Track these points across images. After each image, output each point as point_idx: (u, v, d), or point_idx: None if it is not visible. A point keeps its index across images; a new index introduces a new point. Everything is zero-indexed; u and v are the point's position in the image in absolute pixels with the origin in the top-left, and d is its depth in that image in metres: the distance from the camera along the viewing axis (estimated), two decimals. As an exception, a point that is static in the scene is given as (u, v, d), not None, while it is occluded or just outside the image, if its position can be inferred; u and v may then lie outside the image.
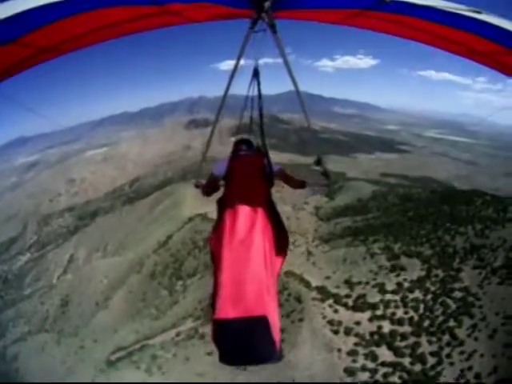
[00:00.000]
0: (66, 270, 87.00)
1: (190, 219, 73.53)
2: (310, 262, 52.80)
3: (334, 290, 42.73)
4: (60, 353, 54.35)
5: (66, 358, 52.46)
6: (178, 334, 47.24)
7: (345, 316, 37.82)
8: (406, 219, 60.24)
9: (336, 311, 38.82)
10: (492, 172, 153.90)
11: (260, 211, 2.96)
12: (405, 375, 30.74)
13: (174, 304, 55.62)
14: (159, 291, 59.99)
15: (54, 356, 54.00)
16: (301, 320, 38.72)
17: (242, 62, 2.92)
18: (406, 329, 34.86)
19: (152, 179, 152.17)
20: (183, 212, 79.83)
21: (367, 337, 34.93)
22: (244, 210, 2.93)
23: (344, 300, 40.35)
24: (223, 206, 3.18)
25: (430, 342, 32.93)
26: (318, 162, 3.95)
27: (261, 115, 3.66)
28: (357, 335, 35.24)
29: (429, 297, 37.96)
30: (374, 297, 39.72)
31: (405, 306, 37.61)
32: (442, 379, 29.73)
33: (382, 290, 40.52)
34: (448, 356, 31.26)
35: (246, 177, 3.37)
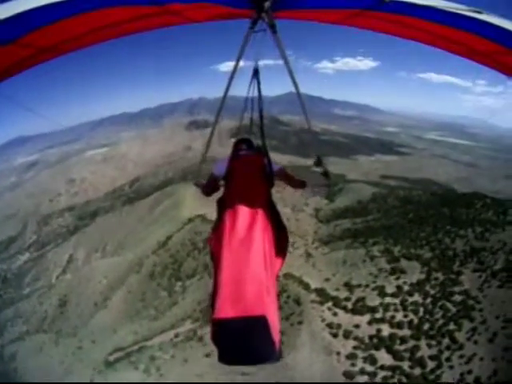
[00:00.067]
0: (65, 269, 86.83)
1: (190, 220, 73.46)
2: (309, 264, 52.70)
3: (334, 293, 42.62)
4: (58, 353, 54.09)
5: (64, 359, 52.22)
6: (176, 336, 47.11)
7: (344, 319, 37.66)
8: (405, 221, 60.28)
9: (335, 314, 38.66)
10: (492, 174, 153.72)
11: (260, 211, 2.95)
12: (404, 379, 30.56)
13: (173, 305, 55.51)
14: (158, 292, 59.85)
15: (52, 356, 53.74)
16: (300, 323, 38.57)
17: (241, 63, 2.91)
18: (406, 332, 34.72)
19: (152, 179, 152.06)
20: (183, 213, 79.72)
21: (366, 340, 34.76)
22: (244, 210, 2.92)
23: (343, 303, 40.23)
24: (223, 206, 3.16)
25: (429, 346, 32.77)
26: (318, 163, 3.93)
27: (261, 116, 3.64)
28: (356, 338, 35.09)
29: (428, 300, 37.85)
30: (374, 300, 39.60)
31: (404, 309, 37.48)
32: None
33: (381, 292, 40.42)
34: (448, 359, 31.11)
35: (246, 177, 3.35)
